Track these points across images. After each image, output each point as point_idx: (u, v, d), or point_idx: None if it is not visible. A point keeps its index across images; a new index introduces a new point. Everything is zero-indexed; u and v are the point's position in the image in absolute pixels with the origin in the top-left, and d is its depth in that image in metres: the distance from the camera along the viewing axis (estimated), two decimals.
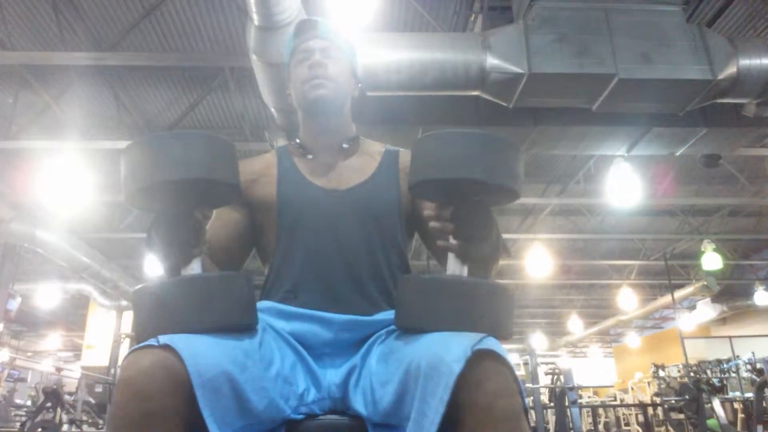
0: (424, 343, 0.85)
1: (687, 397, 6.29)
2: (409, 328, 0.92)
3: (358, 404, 0.98)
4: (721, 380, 8.59)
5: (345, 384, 1.02)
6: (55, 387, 6.55)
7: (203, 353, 0.81)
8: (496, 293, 0.89)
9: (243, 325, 0.92)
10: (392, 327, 1.01)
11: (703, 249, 8.32)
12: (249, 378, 0.86)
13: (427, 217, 0.94)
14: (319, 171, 1.19)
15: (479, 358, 0.78)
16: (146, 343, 0.80)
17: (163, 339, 0.80)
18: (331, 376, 1.03)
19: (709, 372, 9.16)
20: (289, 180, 1.18)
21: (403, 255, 1.19)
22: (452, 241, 0.92)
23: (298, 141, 1.24)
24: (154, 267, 7.75)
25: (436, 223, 0.92)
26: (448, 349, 0.79)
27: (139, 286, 0.90)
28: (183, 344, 0.80)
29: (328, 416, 1.00)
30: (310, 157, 1.20)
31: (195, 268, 0.93)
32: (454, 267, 0.93)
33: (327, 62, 1.16)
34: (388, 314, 1.06)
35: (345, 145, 1.21)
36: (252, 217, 1.17)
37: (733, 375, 9.72)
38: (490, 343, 0.80)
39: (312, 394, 0.99)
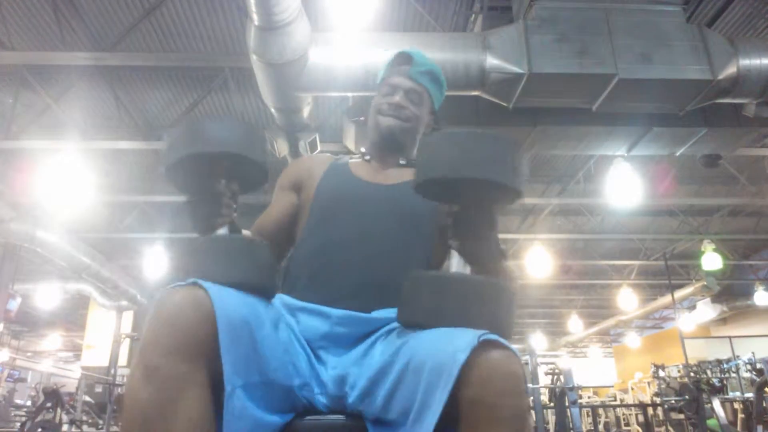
0: (427, 338, 0.85)
1: (687, 397, 6.30)
2: (410, 323, 0.92)
3: (357, 401, 0.97)
4: (721, 380, 8.57)
5: (342, 381, 1.01)
6: (55, 387, 6.56)
7: (229, 300, 0.85)
8: (499, 292, 0.90)
9: (262, 286, 0.97)
10: (393, 325, 1.01)
11: (703, 249, 8.32)
12: (265, 336, 0.90)
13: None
14: (368, 171, 1.26)
15: (485, 347, 0.77)
16: (179, 283, 0.85)
17: (194, 279, 0.85)
18: (329, 370, 1.02)
19: (709, 372, 9.13)
20: (335, 172, 1.26)
21: (431, 261, 1.15)
22: (454, 239, 0.93)
23: (363, 150, 1.32)
24: (154, 267, 7.74)
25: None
26: (452, 344, 0.79)
27: (174, 242, 0.99)
28: (213, 288, 0.84)
29: (328, 416, 1.00)
30: (368, 158, 1.29)
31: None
32: (457, 265, 0.94)
33: (407, 105, 1.24)
34: (387, 312, 1.06)
35: (402, 162, 1.28)
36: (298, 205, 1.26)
37: (733, 375, 9.70)
38: (495, 336, 0.81)
39: (313, 388, 1.00)
